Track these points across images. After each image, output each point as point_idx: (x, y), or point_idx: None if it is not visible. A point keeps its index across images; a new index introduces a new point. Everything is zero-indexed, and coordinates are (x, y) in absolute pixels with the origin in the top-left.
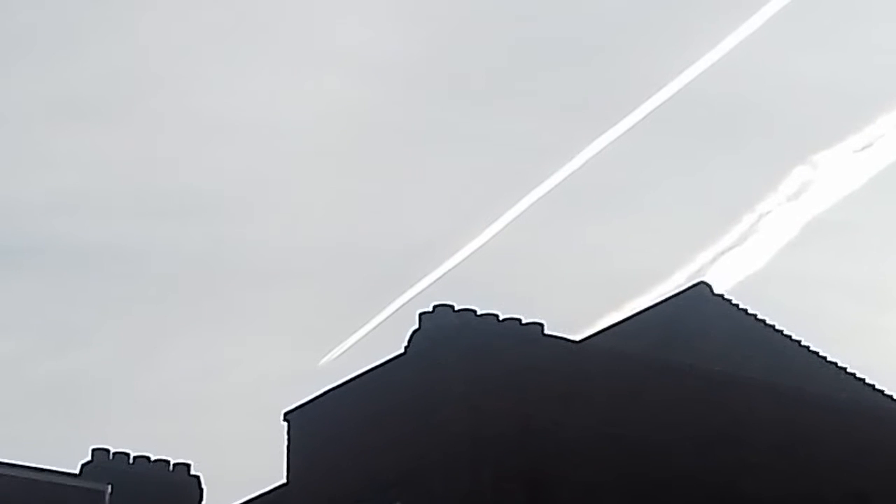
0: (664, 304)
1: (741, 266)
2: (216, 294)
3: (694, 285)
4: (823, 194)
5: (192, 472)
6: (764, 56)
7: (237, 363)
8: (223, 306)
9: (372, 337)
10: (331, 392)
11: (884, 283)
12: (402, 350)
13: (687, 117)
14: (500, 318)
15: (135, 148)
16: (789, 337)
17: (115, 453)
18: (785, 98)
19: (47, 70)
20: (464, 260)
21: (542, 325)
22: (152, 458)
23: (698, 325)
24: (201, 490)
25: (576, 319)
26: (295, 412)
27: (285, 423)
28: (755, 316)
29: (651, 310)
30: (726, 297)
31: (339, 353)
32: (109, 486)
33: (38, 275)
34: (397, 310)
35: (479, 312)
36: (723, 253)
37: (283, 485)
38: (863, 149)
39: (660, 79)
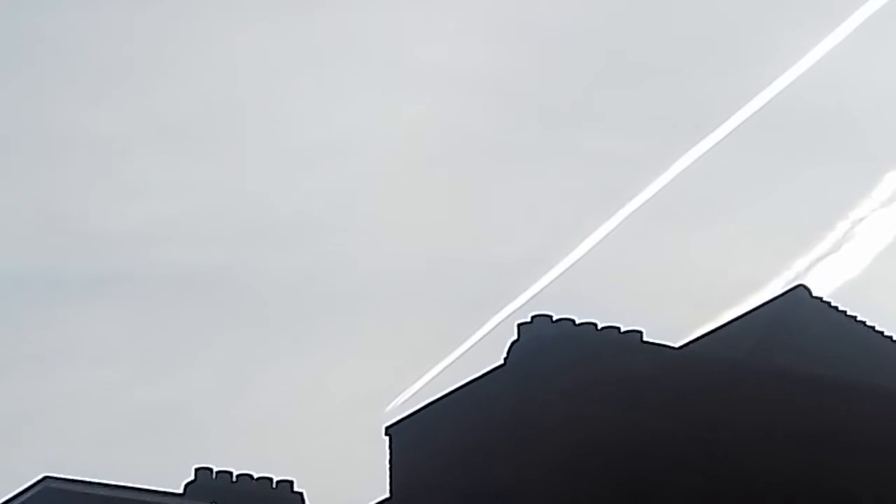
0: (763, 308)
1: (838, 273)
2: (316, 317)
3: (792, 289)
4: None
5: (296, 488)
6: (854, 63)
7: (338, 382)
8: (322, 329)
9: (472, 353)
10: (431, 405)
11: None
12: (501, 362)
13: (777, 127)
14: (599, 326)
15: (227, 174)
16: (891, 338)
17: (218, 472)
18: (876, 104)
19: (141, 97)
20: (561, 274)
21: (641, 332)
22: (255, 475)
23: (798, 328)
24: None
25: (674, 329)
26: (396, 426)
27: (387, 438)
28: (855, 318)
29: (750, 314)
30: (825, 299)
31: (439, 369)
32: None
33: (134, 302)
34: (496, 326)
35: (577, 322)
36: (819, 260)
37: (386, 499)
38: None
39: (750, 89)
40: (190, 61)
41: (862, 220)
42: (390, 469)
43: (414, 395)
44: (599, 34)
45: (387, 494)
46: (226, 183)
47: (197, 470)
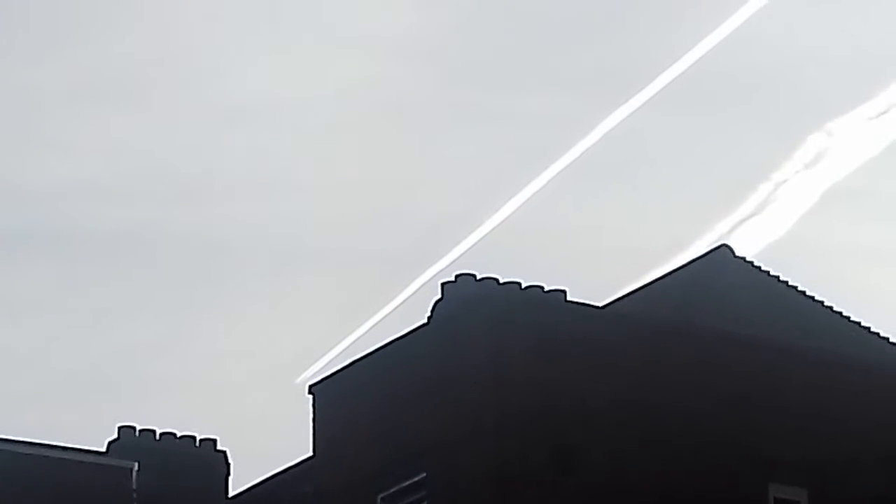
0: (686, 267)
1: (761, 234)
2: (241, 275)
3: (715, 248)
4: (840, 162)
5: (219, 447)
6: (777, 26)
7: (263, 342)
8: (248, 287)
9: (398, 312)
10: (355, 364)
11: None
12: (425, 321)
13: (702, 89)
14: (523, 286)
15: (154, 132)
16: (812, 298)
17: (141, 430)
18: (799, 68)
19: (66, 56)
20: (487, 234)
21: (564, 292)
22: (178, 434)
23: (721, 287)
24: (228, 465)
25: (598, 289)
26: (320, 385)
27: (310, 396)
28: (777, 278)
29: (673, 274)
30: (748, 259)
31: (365, 328)
32: (136, 464)
33: (60, 260)
34: (422, 286)
35: (501, 281)
36: (742, 222)
37: (310, 458)
38: (878, 116)
39: (675, 52)
40: (120, 18)
41: (785, 182)
42: (314, 427)
43: (339, 354)
44: None
45: (310, 453)
46: (154, 141)
47: (120, 428)
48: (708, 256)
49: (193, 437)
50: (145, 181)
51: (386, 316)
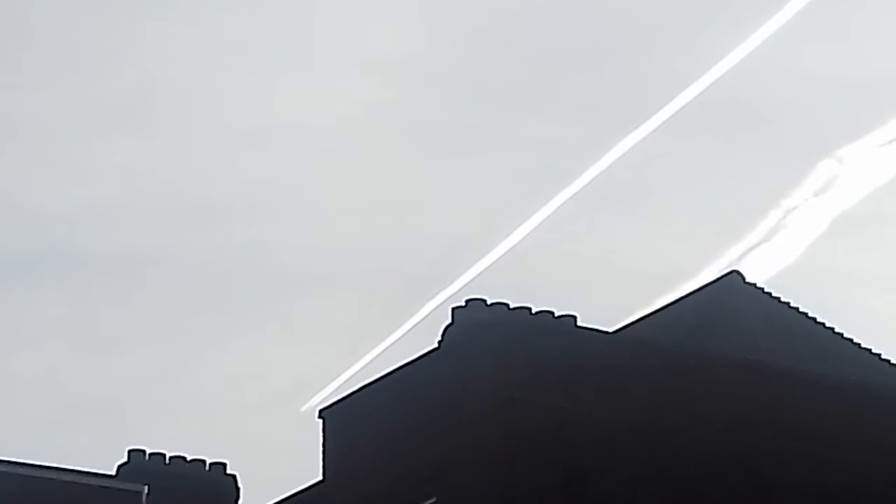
0: (697, 293)
1: (771, 261)
2: (252, 299)
3: (726, 275)
4: (850, 189)
5: (229, 471)
6: (787, 54)
7: (275, 365)
8: (259, 311)
9: (408, 337)
10: (365, 389)
11: None
12: (435, 346)
13: (713, 116)
14: (533, 311)
15: (165, 157)
16: (822, 324)
17: (151, 454)
18: (809, 95)
19: (75, 80)
20: (497, 260)
21: (574, 317)
22: (188, 458)
23: (732, 313)
24: (238, 489)
25: (609, 315)
26: (329, 409)
27: (320, 421)
28: (788, 304)
29: (684, 300)
30: (758, 285)
31: (375, 353)
32: (146, 487)
33: (70, 284)
34: (432, 310)
35: (511, 306)
36: (752, 248)
37: (319, 482)
38: (888, 143)
39: (685, 78)
40: (130, 44)
41: (795, 208)
42: (324, 452)
43: (349, 378)
44: (538, 23)
45: (320, 477)
46: (164, 165)
47: (130, 451)
48: (718, 282)
49: (203, 461)
50: (155, 205)
51: (396, 340)
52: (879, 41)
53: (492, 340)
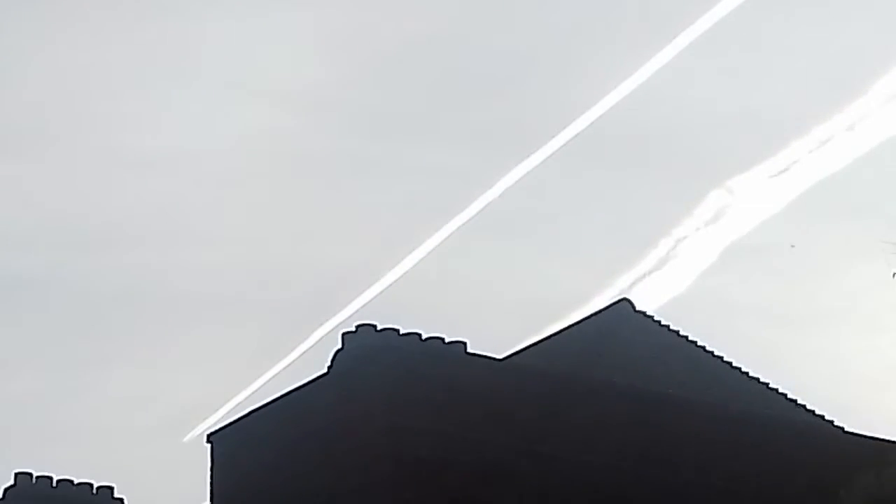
0: (587, 321)
1: (661, 290)
2: (140, 324)
3: (616, 302)
4: (740, 219)
5: (116, 494)
6: (679, 85)
7: (165, 390)
8: (147, 336)
9: (299, 363)
10: (253, 413)
11: (801, 305)
12: (325, 371)
13: (605, 145)
14: (423, 337)
15: (52, 181)
16: (712, 353)
17: (38, 477)
18: (700, 126)
19: None
20: (388, 286)
21: (464, 343)
22: (75, 481)
23: (621, 341)
24: None
25: (499, 342)
26: (218, 434)
27: (208, 445)
28: (677, 333)
29: (573, 327)
30: (648, 314)
31: (266, 378)
32: None
33: None
34: (324, 336)
35: (401, 332)
36: (643, 277)
37: None
38: (778, 174)
39: (577, 107)
40: (17, 64)
41: (685, 238)
42: (211, 476)
43: (239, 403)
44: (431, 49)
45: (207, 502)
46: (51, 188)
47: (17, 474)
48: (608, 310)
49: (91, 485)
50: (42, 229)
51: (287, 366)
52: (769, 74)
53: (381, 366)
